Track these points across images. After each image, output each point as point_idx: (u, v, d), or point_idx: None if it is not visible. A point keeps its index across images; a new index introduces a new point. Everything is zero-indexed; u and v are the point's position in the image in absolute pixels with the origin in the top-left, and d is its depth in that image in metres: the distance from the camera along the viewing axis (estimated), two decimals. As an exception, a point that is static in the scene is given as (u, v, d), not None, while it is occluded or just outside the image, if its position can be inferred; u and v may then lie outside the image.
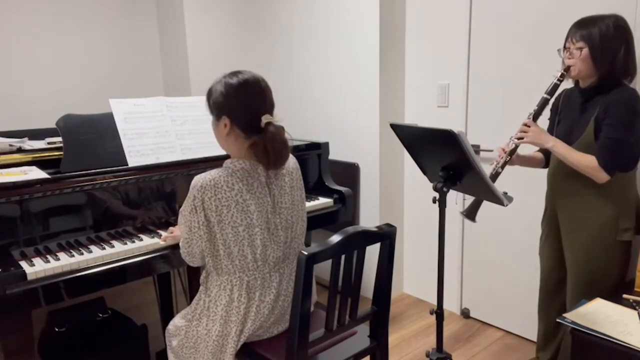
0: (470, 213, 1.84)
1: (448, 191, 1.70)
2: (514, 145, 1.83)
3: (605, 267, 1.80)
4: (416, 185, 3.00)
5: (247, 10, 3.56)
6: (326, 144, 2.63)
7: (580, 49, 1.72)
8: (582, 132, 1.76)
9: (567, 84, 1.88)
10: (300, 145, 2.55)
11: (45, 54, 3.10)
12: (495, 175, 1.84)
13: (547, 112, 1.91)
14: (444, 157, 1.68)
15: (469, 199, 1.87)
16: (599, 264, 1.80)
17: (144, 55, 3.55)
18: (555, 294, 2.03)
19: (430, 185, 1.74)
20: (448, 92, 2.75)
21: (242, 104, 1.40)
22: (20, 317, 1.58)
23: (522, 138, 1.80)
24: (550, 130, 1.95)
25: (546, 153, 2.00)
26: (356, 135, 3.03)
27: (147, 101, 2.11)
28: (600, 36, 1.69)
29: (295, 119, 3.43)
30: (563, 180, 1.87)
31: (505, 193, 1.70)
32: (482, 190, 1.69)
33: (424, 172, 1.89)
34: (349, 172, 3.06)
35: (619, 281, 1.83)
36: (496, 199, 1.65)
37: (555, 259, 1.99)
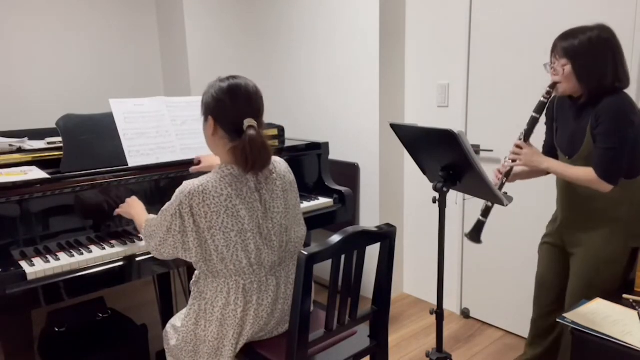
0: (474, 235, 1.81)
1: (448, 191, 1.70)
2: (508, 167, 1.80)
3: (612, 273, 1.78)
4: (416, 185, 3.00)
5: (247, 11, 3.56)
6: (326, 144, 2.62)
7: (564, 65, 1.67)
8: (582, 142, 1.72)
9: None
10: (300, 145, 2.55)
11: (45, 54, 3.10)
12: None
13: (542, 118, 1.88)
14: (444, 157, 1.68)
15: (469, 200, 1.87)
16: (607, 269, 1.78)
17: (144, 55, 3.55)
18: (550, 291, 2.02)
19: (430, 185, 1.74)
20: (448, 92, 2.75)
21: (227, 106, 1.42)
22: (20, 317, 1.58)
23: (515, 160, 1.77)
24: (550, 138, 1.92)
25: None
26: (356, 135, 3.03)
27: (147, 101, 2.11)
28: (585, 52, 1.63)
29: (295, 118, 3.43)
30: (571, 190, 1.83)
31: (505, 193, 1.70)
32: (482, 191, 1.69)
33: (424, 172, 1.89)
34: (349, 172, 3.06)
35: (622, 283, 1.82)
36: (496, 199, 1.65)
37: (556, 258, 1.98)
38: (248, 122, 1.40)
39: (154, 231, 1.50)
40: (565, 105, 1.83)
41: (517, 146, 1.78)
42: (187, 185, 1.40)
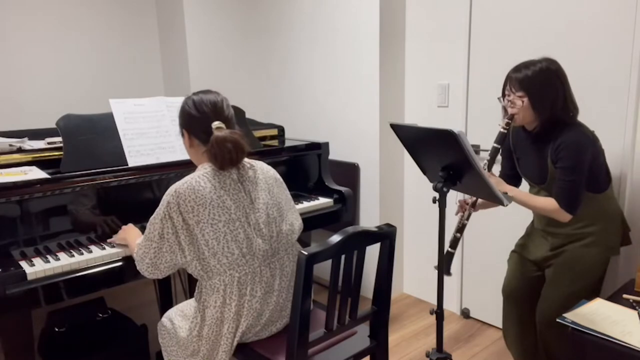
0: (444, 268, 1.80)
1: (448, 191, 1.70)
2: (476, 199, 1.85)
3: (589, 283, 1.83)
4: (416, 185, 3.00)
5: (247, 11, 3.56)
6: (326, 144, 2.63)
7: (521, 97, 1.75)
8: (547, 174, 1.80)
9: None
10: (300, 145, 2.55)
11: (45, 54, 3.10)
12: (461, 228, 1.87)
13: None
14: (444, 157, 1.68)
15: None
16: (583, 281, 1.83)
17: (144, 55, 3.55)
18: (519, 297, 2.04)
19: (430, 185, 1.74)
20: (448, 92, 2.75)
21: (195, 116, 1.52)
22: (20, 317, 1.58)
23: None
24: (510, 167, 2.00)
25: (516, 180, 2.02)
26: (356, 135, 3.03)
27: (147, 101, 2.11)
28: (538, 84, 1.72)
29: (295, 118, 3.43)
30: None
31: (505, 193, 1.70)
32: (482, 190, 1.69)
33: (424, 172, 1.89)
34: (349, 172, 3.07)
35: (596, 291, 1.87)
36: (496, 199, 1.65)
37: (525, 268, 2.02)
38: (215, 124, 1.48)
39: (145, 246, 1.50)
40: (520, 135, 1.92)
41: None
42: (172, 187, 1.47)
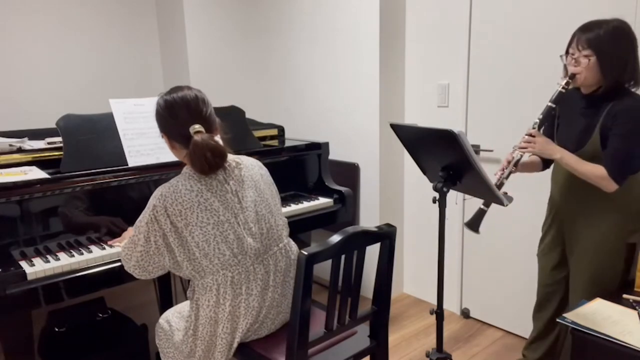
0: (473, 224, 1.81)
1: (448, 191, 1.70)
2: (519, 156, 1.78)
3: (612, 269, 1.79)
4: (416, 185, 3.00)
5: (247, 11, 3.56)
6: (326, 144, 2.63)
7: (588, 56, 1.65)
8: (588, 139, 1.72)
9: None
10: (300, 145, 2.55)
11: (45, 54, 3.10)
12: (500, 185, 1.80)
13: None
14: (444, 157, 1.68)
15: (469, 200, 1.87)
16: (606, 266, 1.79)
17: (144, 55, 3.55)
18: (553, 296, 2.03)
19: (430, 185, 1.74)
20: (448, 92, 2.75)
21: (169, 121, 1.48)
22: (20, 317, 1.58)
23: (527, 148, 1.75)
24: (550, 134, 1.91)
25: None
26: (356, 135, 3.03)
27: (147, 101, 2.11)
28: (610, 44, 1.62)
29: (295, 118, 3.43)
30: (569, 185, 1.84)
31: (505, 193, 1.70)
32: (482, 190, 1.69)
33: (424, 172, 1.89)
34: (349, 172, 3.07)
35: (622, 281, 1.83)
36: (496, 199, 1.65)
37: (557, 261, 1.99)
38: (192, 129, 1.44)
39: (129, 248, 1.50)
40: (570, 102, 1.82)
41: (531, 135, 1.75)
42: (158, 190, 1.45)
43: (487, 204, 1.80)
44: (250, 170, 1.58)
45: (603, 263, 1.79)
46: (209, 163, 1.42)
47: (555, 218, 1.97)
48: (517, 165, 1.80)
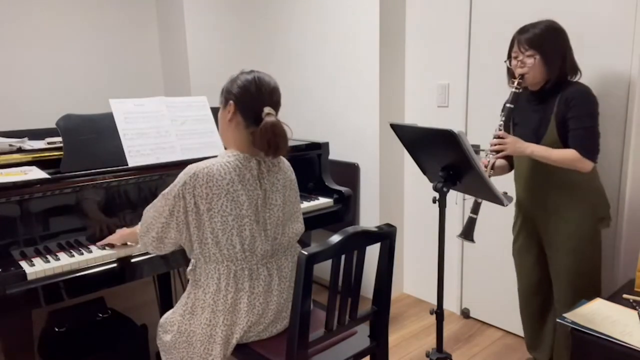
0: (466, 234, 1.83)
1: (448, 191, 1.70)
2: (495, 160, 1.85)
3: (591, 256, 1.86)
4: (416, 185, 3.00)
5: (247, 10, 3.56)
6: (326, 144, 2.62)
7: (532, 56, 1.77)
8: (545, 132, 1.81)
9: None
10: (300, 145, 2.55)
11: (45, 54, 3.10)
12: None
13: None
14: (444, 157, 1.68)
15: (469, 200, 1.87)
16: (585, 255, 1.85)
17: (144, 55, 3.55)
18: (536, 293, 2.08)
19: (430, 185, 1.74)
20: (448, 92, 2.75)
21: (252, 94, 1.49)
22: (20, 317, 1.58)
23: (500, 151, 1.82)
24: (507, 132, 1.98)
25: (510, 158, 2.02)
26: (356, 135, 3.03)
27: (147, 101, 2.11)
28: (549, 41, 1.76)
29: (295, 119, 3.42)
30: (532, 184, 1.92)
31: (505, 193, 1.70)
32: (482, 190, 1.69)
33: (424, 172, 1.89)
34: (349, 172, 3.06)
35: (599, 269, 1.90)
36: (496, 199, 1.65)
37: (535, 258, 2.03)
38: (268, 109, 1.47)
39: (153, 218, 1.50)
40: (521, 102, 1.92)
41: (499, 137, 1.83)
42: (192, 167, 1.44)
43: (475, 212, 1.84)
44: (284, 173, 1.59)
45: (583, 254, 1.85)
46: (277, 145, 1.45)
47: (525, 217, 2.03)
48: (493, 168, 1.86)
